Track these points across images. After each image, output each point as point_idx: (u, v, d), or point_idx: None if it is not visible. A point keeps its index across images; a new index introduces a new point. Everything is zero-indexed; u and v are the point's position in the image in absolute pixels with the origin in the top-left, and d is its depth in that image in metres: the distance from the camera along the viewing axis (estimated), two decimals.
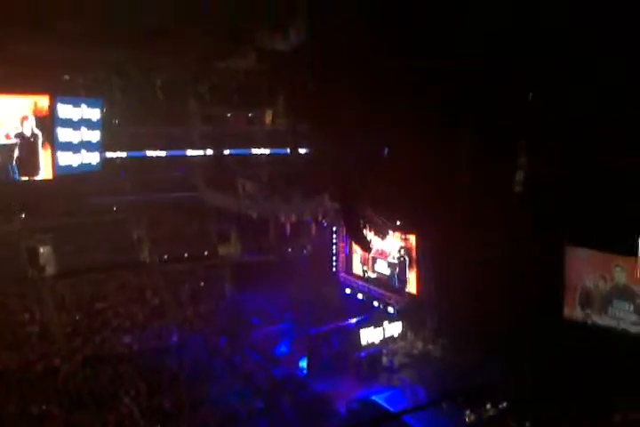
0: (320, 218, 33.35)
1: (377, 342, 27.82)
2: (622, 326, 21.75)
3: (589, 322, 22.85)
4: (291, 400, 24.07)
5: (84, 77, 30.91)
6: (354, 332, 27.93)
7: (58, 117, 27.67)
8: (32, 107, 26.68)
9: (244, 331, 29.93)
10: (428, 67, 22.99)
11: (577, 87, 20.78)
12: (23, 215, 31.31)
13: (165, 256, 33.41)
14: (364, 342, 27.50)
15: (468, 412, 21.35)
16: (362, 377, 25.97)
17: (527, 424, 19.87)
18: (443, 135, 25.62)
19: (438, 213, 25.30)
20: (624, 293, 21.78)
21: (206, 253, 34.25)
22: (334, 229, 33.69)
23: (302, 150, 38.24)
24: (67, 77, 29.93)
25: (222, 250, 33.98)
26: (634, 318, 21.37)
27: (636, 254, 20.40)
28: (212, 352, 27.31)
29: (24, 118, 26.55)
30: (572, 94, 21.31)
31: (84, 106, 29.64)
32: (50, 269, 30.43)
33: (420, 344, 27.95)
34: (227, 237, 34.05)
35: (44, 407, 21.92)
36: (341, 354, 27.66)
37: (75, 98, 29.50)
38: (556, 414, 19.29)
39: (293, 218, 32.47)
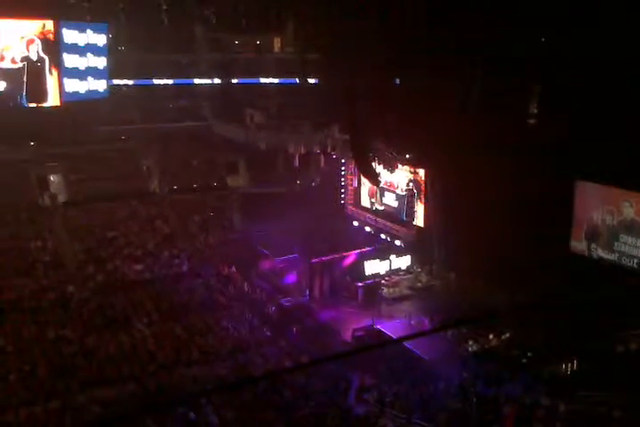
0: (329, 150, 33.11)
1: (382, 273, 28.28)
2: (627, 260, 21.94)
3: (595, 256, 23.07)
4: (298, 328, 24.77)
5: (89, 1, 29.96)
6: (358, 262, 28.37)
7: (64, 42, 27.10)
8: (38, 31, 26.07)
9: (253, 261, 30.40)
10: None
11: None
12: (32, 143, 31.22)
13: (175, 186, 33.48)
14: (368, 272, 27.96)
15: (471, 342, 21.87)
16: (365, 306, 26.56)
17: (529, 354, 20.39)
18: (455, 66, 25.03)
19: (448, 146, 25.05)
20: (631, 228, 21.86)
21: (215, 183, 34.27)
22: (343, 161, 33.50)
23: (312, 80, 37.51)
24: (72, 1, 29.03)
25: (231, 181, 33.98)
26: None
27: None
28: (222, 281, 27.83)
29: (30, 42, 26.01)
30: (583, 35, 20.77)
31: (89, 31, 28.94)
32: (60, 198, 30.66)
33: (424, 278, 28.38)
34: (235, 168, 33.97)
35: (59, 332, 22.59)
36: (343, 283, 28.27)
37: (80, 23, 28.78)
38: (558, 345, 19.80)
39: (302, 149, 32.25)
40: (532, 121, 25.78)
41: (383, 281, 27.80)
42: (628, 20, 19.43)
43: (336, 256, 28.64)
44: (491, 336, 21.94)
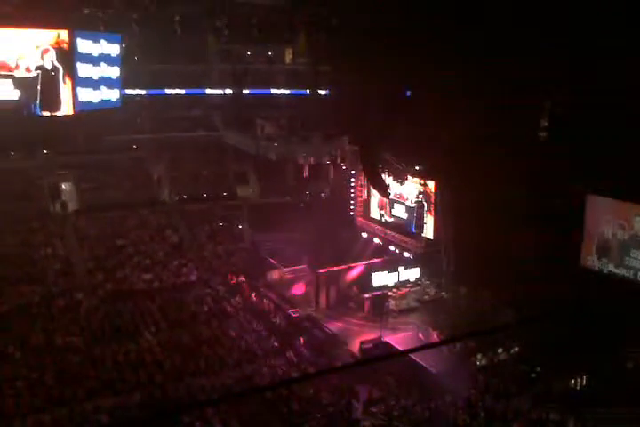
0: (339, 161, 33.18)
1: (390, 284, 28.20)
2: (638, 275, 21.80)
3: (606, 271, 22.93)
4: (305, 339, 24.71)
5: (103, 12, 30.26)
6: (365, 274, 28.33)
7: (78, 52, 27.34)
8: (53, 40, 26.37)
9: (261, 271, 30.41)
10: (456, 11, 22.31)
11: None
12: (45, 152, 31.46)
13: (185, 196, 33.61)
14: (375, 284, 27.90)
15: (479, 355, 21.75)
16: (371, 318, 26.47)
17: (538, 369, 20.24)
18: (467, 79, 25.07)
19: (458, 159, 25.05)
20: None
21: (225, 193, 34.37)
22: (353, 172, 33.54)
23: (323, 91, 37.67)
24: (86, 11, 29.31)
25: (241, 191, 34.07)
26: None
27: None
28: (230, 291, 27.84)
29: (45, 51, 26.29)
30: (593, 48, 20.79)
31: (103, 41, 29.19)
32: (71, 206, 30.84)
33: (432, 290, 28.27)
34: (245, 178, 34.08)
35: (67, 340, 22.63)
36: (350, 294, 28.22)
37: (94, 33, 29.05)
38: (567, 361, 19.63)
39: (312, 160, 32.33)
40: (543, 135, 25.75)
41: (390, 293, 27.72)
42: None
43: (344, 267, 28.64)
44: (499, 350, 21.81)
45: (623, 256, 22.39)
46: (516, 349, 21.65)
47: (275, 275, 30.50)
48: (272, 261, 31.20)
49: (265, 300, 27.76)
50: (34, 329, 23.12)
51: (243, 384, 20.85)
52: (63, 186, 31.09)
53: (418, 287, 28.60)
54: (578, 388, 19.55)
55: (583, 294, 19.80)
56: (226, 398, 17.47)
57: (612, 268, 22.80)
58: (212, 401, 21.18)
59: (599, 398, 18.09)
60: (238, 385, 20.78)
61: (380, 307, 26.69)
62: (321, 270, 28.05)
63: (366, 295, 27.38)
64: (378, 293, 27.50)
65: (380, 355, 22.79)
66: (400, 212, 31.34)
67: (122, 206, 31.09)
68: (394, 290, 28.01)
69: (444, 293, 27.83)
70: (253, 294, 27.95)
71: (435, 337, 23.79)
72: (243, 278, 29.09)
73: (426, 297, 27.98)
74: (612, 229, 22.72)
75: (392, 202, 31.63)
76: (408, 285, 28.63)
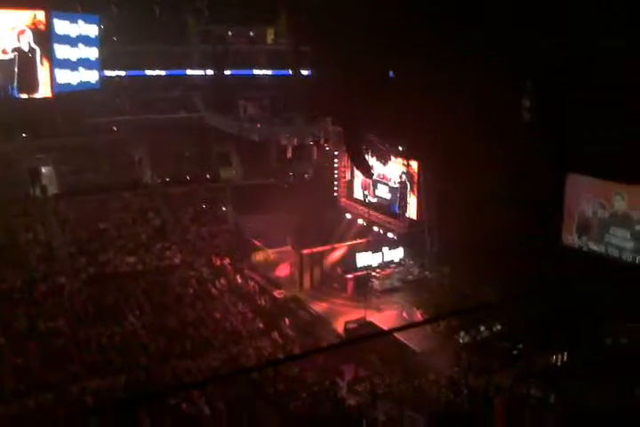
0: (322, 142, 33.09)
1: (374, 265, 28.33)
2: (618, 253, 22.07)
3: (586, 249, 23.19)
4: (290, 320, 24.84)
5: None
6: (349, 254, 28.43)
7: (55, 33, 26.91)
8: (29, 21, 25.90)
9: (246, 253, 30.43)
10: None
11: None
12: (24, 135, 31.04)
13: (167, 178, 33.38)
14: (359, 264, 28.01)
15: (462, 333, 21.99)
16: (355, 298, 26.64)
17: (519, 346, 20.53)
18: (449, 59, 25.00)
19: (441, 139, 25.07)
20: (622, 220, 21.97)
21: (208, 175, 34.17)
22: (336, 153, 33.47)
23: (305, 72, 37.41)
24: None
25: (224, 173, 33.91)
26: (631, 244, 21.66)
27: (638, 182, 20.40)
28: (214, 273, 27.84)
29: (21, 32, 25.84)
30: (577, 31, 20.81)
31: (80, 22, 28.75)
32: (52, 189, 30.54)
33: (416, 270, 28.44)
34: (228, 160, 33.90)
35: (50, 324, 22.57)
36: (334, 274, 28.36)
37: (71, 13, 28.58)
38: (548, 338, 19.93)
39: (295, 141, 32.23)
40: (524, 114, 25.81)
41: (374, 273, 27.85)
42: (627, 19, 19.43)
43: (327, 248, 28.72)
44: (482, 328, 22.06)
45: (603, 234, 22.64)
46: (499, 326, 21.91)
47: (259, 256, 30.56)
48: (256, 242, 31.22)
49: (250, 281, 27.81)
50: (17, 314, 23.01)
51: (229, 366, 20.98)
52: (43, 169, 30.74)
53: (401, 268, 28.74)
54: (558, 364, 19.87)
55: (564, 272, 20.04)
56: (212, 380, 17.58)
57: (592, 245, 23.05)
58: (199, 383, 21.24)
59: (579, 373, 18.41)
60: (224, 367, 20.90)
61: (363, 287, 26.82)
62: (304, 251, 28.13)
63: (349, 276, 27.47)
64: (361, 273, 27.61)
65: (365, 334, 22.95)
66: (383, 192, 31.39)
67: (103, 189, 30.84)
68: (377, 270, 28.14)
69: (427, 273, 28.00)
70: (238, 276, 27.97)
71: (419, 316, 24.01)
72: (227, 260, 29.08)
73: (409, 277, 28.14)
74: (592, 208, 22.92)
75: (375, 182, 31.64)
76: (392, 265, 28.76)
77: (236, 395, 18.54)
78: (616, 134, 20.00)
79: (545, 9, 21.03)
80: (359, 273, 27.56)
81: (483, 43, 23.46)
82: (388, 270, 28.51)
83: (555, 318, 19.56)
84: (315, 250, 28.32)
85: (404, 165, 29.28)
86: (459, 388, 18.57)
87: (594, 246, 23.00)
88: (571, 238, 23.70)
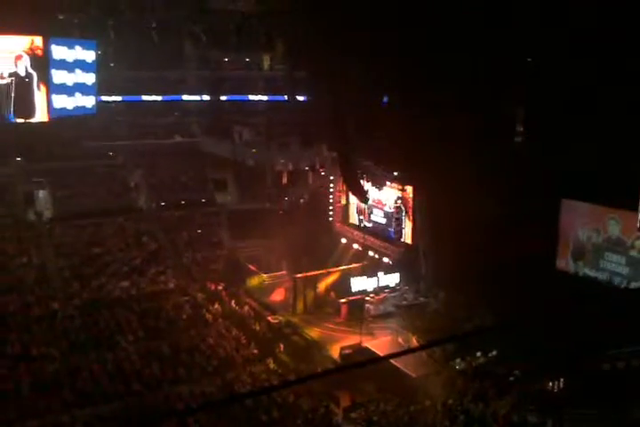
0: (317, 167, 33.24)
1: (369, 290, 28.23)
2: (613, 278, 22.08)
3: (581, 274, 23.21)
4: (285, 345, 24.64)
5: (79, 18, 30.07)
6: (344, 279, 28.33)
7: (52, 58, 27.14)
8: (27, 46, 26.14)
9: (241, 278, 30.29)
10: (430, 19, 22.59)
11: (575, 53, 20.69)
12: (19, 159, 31.10)
13: (162, 202, 33.37)
14: (354, 289, 27.89)
15: (458, 359, 21.82)
16: (348, 323, 26.41)
17: (516, 372, 20.38)
18: (443, 85, 25.30)
19: (436, 165, 25.23)
20: (617, 245, 22.03)
21: (203, 200, 34.19)
22: (332, 178, 33.61)
23: (300, 98, 37.74)
24: (61, 17, 29.12)
25: (219, 198, 33.94)
26: (626, 270, 21.68)
27: (632, 207, 20.50)
28: (209, 298, 27.66)
29: (18, 57, 26.06)
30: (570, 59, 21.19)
31: (78, 47, 29.03)
32: (46, 213, 30.46)
33: (410, 295, 28.33)
34: (224, 184, 33.97)
35: (43, 350, 22.31)
36: (327, 299, 28.20)
37: (69, 39, 28.86)
38: (545, 363, 19.80)
39: (291, 166, 32.36)
40: (518, 140, 26.06)
41: (368, 298, 27.72)
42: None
43: (322, 272, 28.64)
44: (478, 354, 21.90)
45: (598, 259, 22.68)
46: (494, 352, 21.76)
47: (254, 281, 30.43)
48: (251, 267, 31.12)
49: (244, 307, 27.63)
50: (9, 339, 22.74)
51: (223, 392, 20.74)
52: (38, 194, 30.71)
53: (396, 293, 28.65)
54: (555, 390, 19.71)
55: (559, 296, 20.00)
56: (206, 407, 17.37)
57: (586, 271, 23.08)
58: (192, 410, 21.03)
59: (577, 399, 18.27)
60: (218, 393, 20.67)
61: (357, 312, 26.68)
62: (298, 275, 28.05)
63: (342, 300, 27.32)
64: (355, 298, 27.47)
65: (362, 361, 22.73)
66: (379, 217, 31.46)
67: (98, 214, 30.78)
68: (371, 295, 28.03)
69: (422, 298, 27.89)
70: (232, 301, 27.80)
71: (414, 342, 23.83)
72: (221, 285, 28.93)
73: (404, 302, 28.01)
74: (586, 233, 23.01)
75: (371, 207, 31.74)
76: (386, 290, 28.67)
77: (230, 422, 18.33)
78: (610, 160, 20.18)
79: (539, 36, 21.39)
80: (353, 298, 27.42)
81: (476, 69, 23.77)
82: (382, 295, 28.41)
83: (551, 343, 19.46)
84: (308, 274, 28.25)
85: (399, 189, 29.41)
86: (455, 414, 18.42)
87: (589, 272, 23.03)
88: (565, 263, 23.74)
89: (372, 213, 31.88)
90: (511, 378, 20.45)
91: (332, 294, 28.25)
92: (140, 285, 27.83)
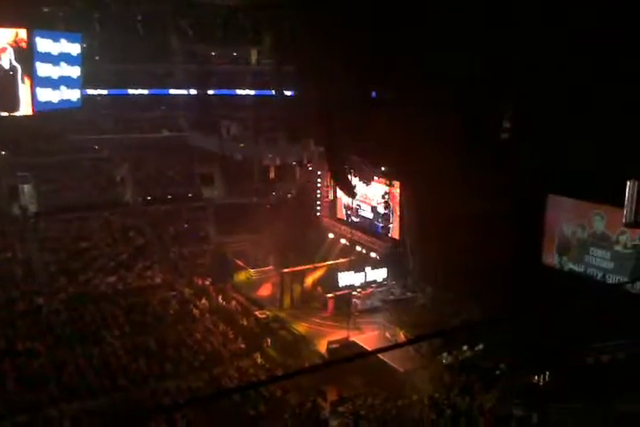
0: (305, 162, 33.22)
1: (357, 284, 28.30)
2: (598, 273, 22.30)
3: (566, 269, 23.40)
4: (273, 340, 24.66)
5: (64, 10, 29.72)
6: (331, 274, 28.38)
7: (36, 51, 26.79)
8: (11, 39, 25.80)
9: (228, 273, 30.26)
10: (421, 13, 22.57)
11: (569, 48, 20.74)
12: (3, 153, 30.78)
13: (149, 197, 33.20)
14: (341, 284, 27.97)
15: (444, 353, 21.94)
16: (335, 318, 26.51)
17: (502, 366, 20.53)
18: (431, 80, 25.33)
19: (423, 161, 25.28)
20: (602, 241, 22.23)
21: (190, 194, 34.06)
22: (319, 173, 33.60)
23: (288, 92, 37.63)
24: (46, 10, 28.75)
25: (206, 192, 33.83)
26: (610, 265, 21.89)
27: (616, 203, 20.68)
28: (196, 293, 27.60)
29: (2, 50, 25.71)
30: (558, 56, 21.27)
31: (63, 40, 28.67)
32: (31, 208, 30.20)
33: (398, 290, 28.45)
34: (211, 179, 33.85)
35: (28, 344, 22.17)
36: (314, 294, 28.25)
37: (54, 32, 28.52)
38: (531, 357, 19.97)
39: (278, 161, 32.32)
40: (504, 135, 26.16)
41: (355, 293, 27.80)
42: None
43: (309, 267, 28.67)
44: (464, 348, 22.04)
45: (583, 254, 22.87)
46: (481, 346, 21.91)
47: (241, 276, 30.41)
48: (238, 262, 31.08)
49: (231, 302, 27.62)
50: None
51: (210, 387, 20.73)
52: (23, 188, 30.44)
53: (384, 288, 28.75)
54: (541, 384, 19.89)
55: (545, 291, 20.17)
56: (194, 402, 17.35)
57: (572, 266, 23.27)
58: (180, 405, 20.98)
59: (562, 393, 18.44)
60: (206, 388, 20.65)
61: (343, 307, 26.76)
62: (285, 270, 28.06)
63: (329, 295, 27.38)
64: (342, 293, 27.53)
65: (350, 355, 22.78)
66: (366, 212, 31.52)
67: (84, 208, 30.58)
68: (358, 290, 28.11)
69: (409, 293, 28.02)
70: (220, 296, 27.76)
71: (402, 336, 23.94)
72: (209, 281, 28.88)
73: (391, 297, 28.12)
74: (572, 228, 23.19)
75: (358, 203, 31.78)
76: (373, 285, 28.77)
77: (217, 417, 18.32)
78: (596, 155, 20.32)
79: (525, 33, 21.45)
80: (340, 293, 27.49)
81: (464, 64, 23.82)
82: (369, 290, 28.51)
83: (537, 337, 19.62)
84: (296, 269, 28.27)
85: (386, 185, 29.46)
86: (441, 408, 18.53)
87: (574, 267, 23.22)
88: (551, 258, 23.91)
89: (359, 208, 31.93)
90: (497, 372, 20.62)
91: (319, 288, 28.30)
92: (127, 280, 27.71)
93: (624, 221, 19.59)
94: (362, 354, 19.74)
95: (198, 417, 18.13)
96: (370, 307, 27.52)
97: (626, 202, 19.15)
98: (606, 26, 18.56)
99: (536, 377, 19.89)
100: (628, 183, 19.19)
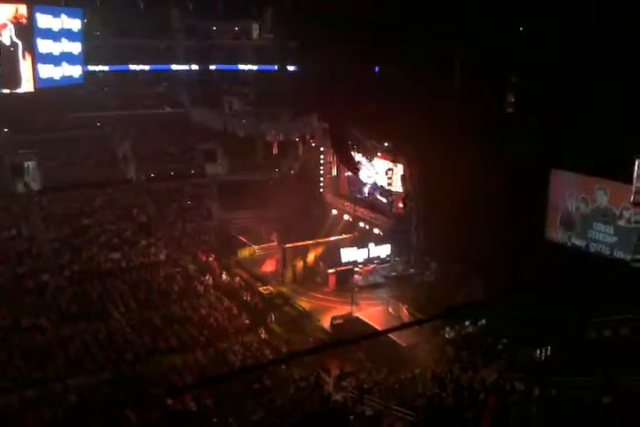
0: (308, 138, 33.03)
1: (359, 260, 28.38)
2: (601, 248, 22.28)
3: (570, 244, 23.39)
4: (277, 316, 24.84)
5: None
6: (333, 249, 28.45)
7: (37, 27, 26.56)
8: (11, 15, 25.54)
9: (231, 249, 30.35)
10: None
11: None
12: (6, 130, 30.69)
13: (152, 174, 33.14)
14: (344, 259, 28.04)
15: (447, 328, 22.08)
16: (336, 293, 26.64)
17: (504, 341, 20.66)
18: (434, 55, 25.09)
19: (427, 135, 25.15)
20: (605, 215, 22.17)
21: (193, 171, 33.99)
22: (322, 149, 33.44)
23: (291, 67, 37.31)
24: None
25: (209, 169, 33.74)
26: (613, 240, 21.88)
27: (620, 178, 20.60)
28: (200, 270, 27.74)
29: (2, 26, 25.49)
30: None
31: (64, 16, 28.40)
32: (35, 185, 30.18)
33: (400, 266, 28.52)
34: (213, 155, 33.70)
35: (34, 320, 22.37)
36: (316, 269, 28.35)
37: (54, 7, 28.24)
38: (532, 332, 20.08)
39: (281, 137, 32.13)
40: (508, 110, 25.98)
41: (357, 269, 27.88)
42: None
43: (311, 242, 28.71)
44: (467, 323, 22.17)
45: (586, 229, 22.84)
46: (483, 321, 22.02)
47: (245, 252, 30.51)
48: (242, 238, 31.15)
49: (235, 278, 27.76)
50: (0, 311, 22.77)
51: (215, 361, 20.96)
52: (26, 165, 30.39)
53: (386, 264, 28.83)
54: (542, 358, 20.03)
55: (548, 266, 20.19)
56: (201, 384, 17.61)
57: (575, 240, 23.25)
58: (188, 387, 21.22)
59: (563, 367, 18.58)
60: (211, 363, 20.89)
61: (345, 282, 26.85)
62: (288, 245, 28.12)
63: (330, 271, 27.45)
64: (343, 268, 27.60)
65: (356, 337, 22.95)
66: (370, 188, 31.40)
67: (87, 185, 30.57)
68: (360, 266, 28.19)
69: (412, 269, 28.07)
70: (224, 272, 27.90)
71: (405, 311, 24.06)
72: (213, 257, 28.99)
73: (393, 273, 28.22)
74: (575, 203, 23.12)
75: (361, 178, 31.63)
76: (375, 261, 28.84)
77: (223, 391, 18.55)
78: (599, 131, 20.18)
79: (530, 9, 21.17)
80: (341, 268, 27.55)
81: (467, 39, 23.56)
82: (371, 266, 28.60)
83: (538, 312, 19.70)
84: (298, 244, 28.32)
85: (390, 161, 29.32)
86: (444, 382, 18.70)
87: (577, 241, 23.21)
88: (554, 233, 23.90)
89: (362, 184, 31.82)
90: (499, 347, 20.76)
91: (321, 264, 28.37)
92: (131, 256, 27.82)
93: (632, 200, 19.54)
94: (369, 336, 19.88)
95: (205, 391, 18.36)
96: (371, 283, 27.63)
97: (634, 180, 19.09)
98: None
99: (538, 352, 20.02)
100: (637, 162, 19.12)
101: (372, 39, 25.88)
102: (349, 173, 32.31)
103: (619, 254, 21.68)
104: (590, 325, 19.68)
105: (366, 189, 31.59)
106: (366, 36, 26.01)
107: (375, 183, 30.76)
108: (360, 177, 31.45)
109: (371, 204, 31.15)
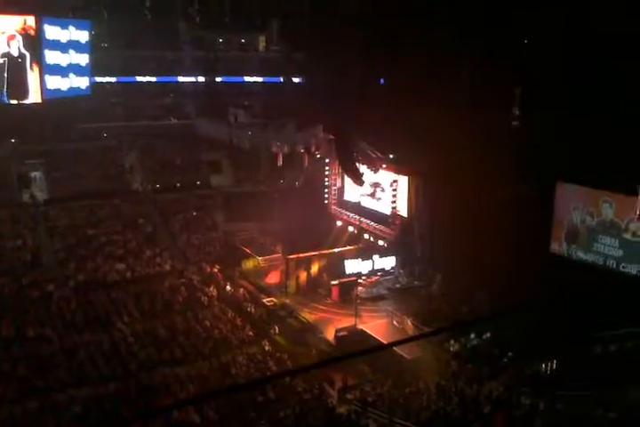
0: (313, 149, 33.08)
1: (364, 272, 28.32)
2: (606, 261, 22.20)
3: (574, 257, 23.32)
4: (281, 328, 24.77)
5: None
6: (337, 261, 28.41)
7: (45, 39, 26.76)
8: (19, 26, 25.76)
9: (236, 260, 30.35)
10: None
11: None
12: (13, 140, 30.87)
13: (158, 185, 33.25)
14: (348, 271, 27.98)
15: (452, 341, 21.97)
16: (340, 305, 26.52)
17: (509, 354, 20.55)
18: (440, 67, 25.18)
19: (432, 147, 25.19)
20: (610, 228, 22.12)
21: (198, 182, 34.07)
22: (327, 160, 33.51)
23: (296, 79, 37.48)
24: None
25: (215, 180, 33.83)
26: (619, 253, 21.80)
27: (625, 191, 20.58)
28: (204, 281, 27.72)
29: (11, 37, 25.68)
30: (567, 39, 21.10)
31: (71, 27, 28.62)
32: (41, 195, 30.32)
33: (404, 279, 28.44)
34: (219, 167, 33.80)
35: (39, 331, 22.37)
36: (320, 280, 28.30)
37: (62, 19, 28.46)
38: (538, 346, 19.96)
39: (286, 149, 32.19)
40: (514, 123, 26.02)
41: (360, 280, 27.80)
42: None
43: (315, 254, 28.68)
44: (472, 336, 22.06)
45: (591, 242, 22.78)
46: (488, 334, 21.91)
47: (249, 264, 30.50)
48: (246, 250, 31.15)
49: (240, 289, 27.73)
50: (5, 321, 22.77)
51: (218, 374, 20.88)
52: (32, 175, 30.56)
53: (390, 276, 28.76)
54: (548, 372, 19.91)
55: (553, 279, 20.12)
56: (204, 396, 17.50)
57: (580, 253, 23.19)
58: (191, 399, 21.08)
59: (569, 381, 18.46)
60: (214, 374, 20.81)
61: (348, 294, 26.77)
62: (291, 256, 28.09)
63: (334, 282, 27.39)
64: (347, 280, 27.52)
65: (363, 350, 22.84)
66: (374, 200, 31.43)
67: (93, 196, 30.68)
68: (363, 278, 28.12)
69: (416, 282, 28.00)
70: (228, 284, 27.88)
71: (409, 324, 23.97)
72: (217, 268, 28.98)
73: (397, 285, 28.14)
74: (580, 216, 23.09)
75: (366, 190, 31.66)
76: (379, 273, 28.78)
77: (226, 402, 18.49)
78: (605, 144, 20.19)
79: (537, 21, 21.27)
80: (344, 280, 27.48)
81: (474, 52, 23.65)
82: (375, 278, 28.52)
83: (544, 325, 19.61)
84: (301, 255, 28.28)
85: (395, 172, 29.36)
86: (448, 396, 18.61)
87: (582, 255, 23.14)
88: (559, 246, 23.85)
89: (367, 195, 31.85)
90: (504, 360, 20.64)
91: (325, 275, 28.33)
92: (136, 267, 27.84)
93: (637, 213, 19.50)
94: (376, 348, 19.76)
95: (208, 403, 18.29)
96: (375, 295, 27.53)
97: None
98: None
99: (544, 365, 19.91)
100: None
101: (378, 52, 26.00)
102: (354, 185, 32.29)
103: (625, 268, 21.61)
104: (596, 339, 19.57)
105: (371, 201, 31.56)
106: (373, 49, 26.14)
107: (380, 195, 30.76)
108: (364, 189, 31.42)
109: (375, 215, 31.07)
